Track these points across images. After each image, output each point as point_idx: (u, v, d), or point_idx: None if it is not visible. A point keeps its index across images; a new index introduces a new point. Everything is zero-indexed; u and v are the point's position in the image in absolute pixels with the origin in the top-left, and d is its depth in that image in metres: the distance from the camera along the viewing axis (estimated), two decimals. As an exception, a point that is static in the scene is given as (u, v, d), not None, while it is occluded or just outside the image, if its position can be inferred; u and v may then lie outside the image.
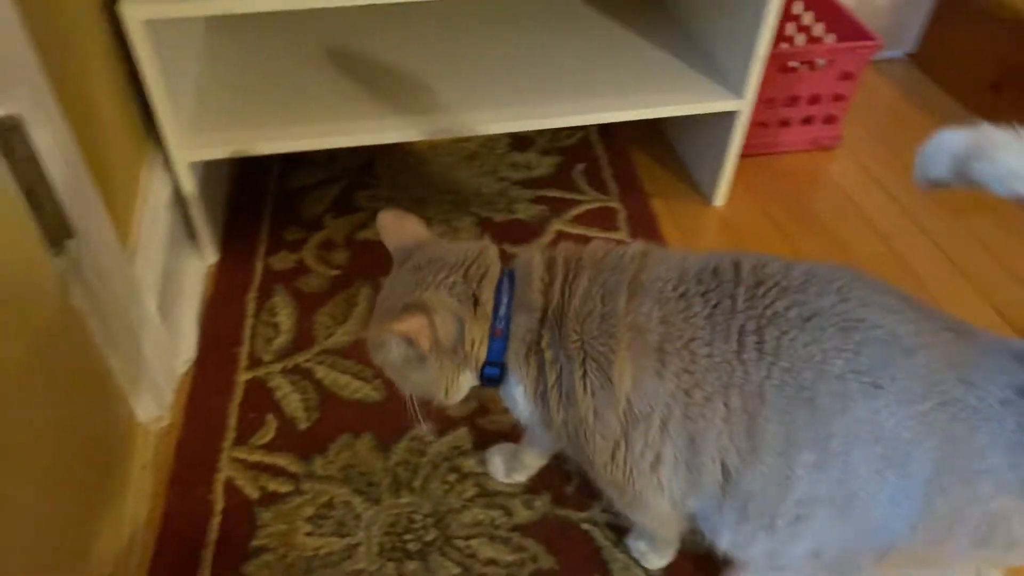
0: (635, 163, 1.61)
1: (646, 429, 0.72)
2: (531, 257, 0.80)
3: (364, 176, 1.55)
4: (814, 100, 1.58)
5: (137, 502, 1.01)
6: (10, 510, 0.70)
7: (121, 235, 1.00)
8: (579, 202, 1.51)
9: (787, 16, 1.72)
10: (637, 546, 0.97)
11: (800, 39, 1.73)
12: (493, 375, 0.80)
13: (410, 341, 0.76)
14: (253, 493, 1.03)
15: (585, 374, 0.73)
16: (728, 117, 1.41)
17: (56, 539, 0.79)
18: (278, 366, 1.18)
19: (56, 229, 0.82)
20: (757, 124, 1.56)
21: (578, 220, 1.47)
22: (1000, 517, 0.65)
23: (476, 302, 0.77)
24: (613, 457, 0.76)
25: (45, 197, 0.79)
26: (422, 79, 1.38)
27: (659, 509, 0.79)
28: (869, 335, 0.65)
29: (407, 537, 0.99)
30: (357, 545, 0.98)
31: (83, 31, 1.01)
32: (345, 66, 1.40)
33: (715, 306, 0.70)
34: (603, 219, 1.48)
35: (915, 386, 0.64)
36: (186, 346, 1.19)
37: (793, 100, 1.57)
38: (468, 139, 1.64)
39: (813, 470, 0.67)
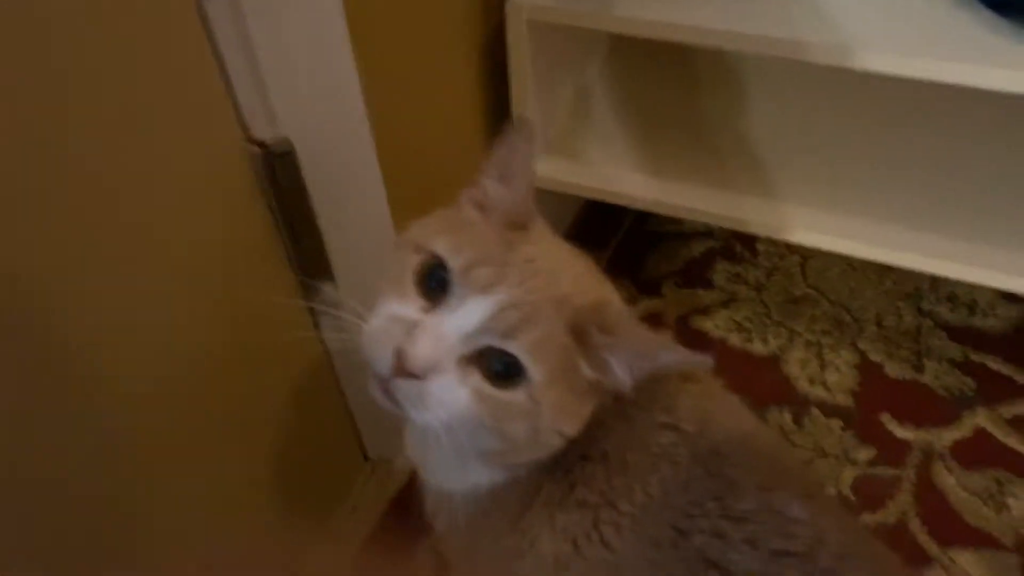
0: None
1: None
2: None
3: (739, 244, 1.22)
4: None
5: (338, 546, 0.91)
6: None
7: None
8: (1033, 396, 1.00)
9: None
10: None
11: None
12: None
13: None
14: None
15: None
16: None
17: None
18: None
19: (313, 268, 0.68)
20: None
21: (1017, 424, 0.97)
22: None
23: None
24: None
25: (305, 234, 0.65)
26: (889, 170, 0.95)
27: None
28: None
29: None
30: None
31: (448, 34, 0.84)
32: (772, 129, 1.03)
33: None
34: (1063, 440, 0.95)
35: None
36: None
37: None
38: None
39: None
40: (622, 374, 0.47)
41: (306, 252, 0.66)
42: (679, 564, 0.46)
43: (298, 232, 0.65)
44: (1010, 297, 1.10)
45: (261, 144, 0.58)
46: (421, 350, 0.44)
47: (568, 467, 0.50)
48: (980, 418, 0.98)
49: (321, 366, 0.80)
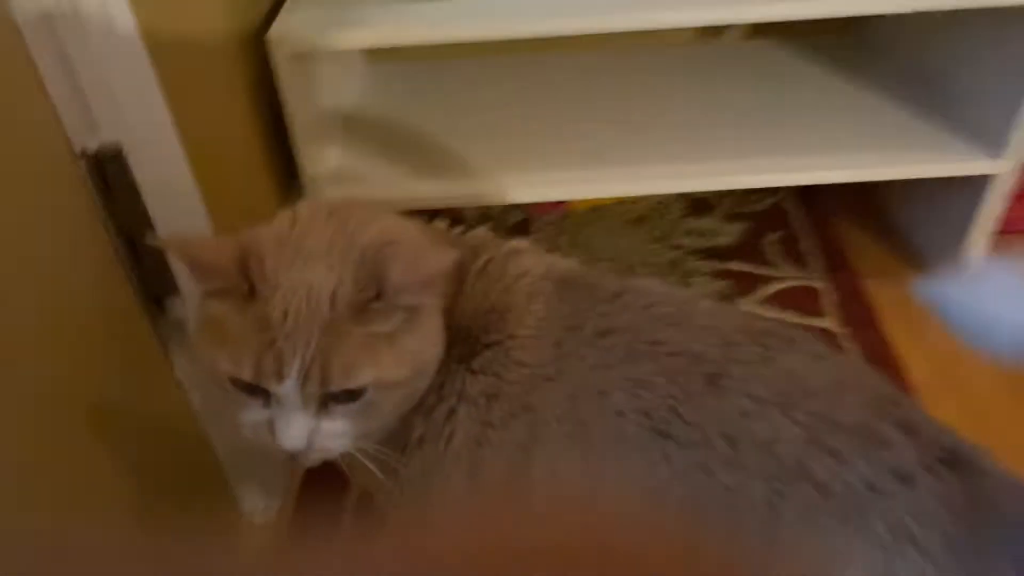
0: (841, 234, 1.33)
1: None
2: None
3: (517, 237, 1.36)
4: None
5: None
6: None
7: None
8: (772, 279, 1.25)
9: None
10: None
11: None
12: None
13: None
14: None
15: None
16: (976, 184, 1.11)
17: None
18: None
19: (156, 284, 0.68)
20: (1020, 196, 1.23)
21: (772, 300, 1.21)
22: None
23: None
24: None
25: (147, 248, 0.65)
26: (587, 130, 1.19)
27: None
28: (665, 363, 0.52)
29: None
30: None
31: (222, 58, 0.89)
32: (506, 113, 1.23)
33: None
34: (804, 301, 1.20)
35: (721, 443, 0.48)
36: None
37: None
38: (635, 200, 1.42)
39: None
40: (418, 300, 0.51)
41: (149, 268, 0.66)
42: (587, 349, 0.55)
43: (139, 246, 0.64)
44: (731, 217, 1.37)
45: (84, 154, 0.59)
46: (293, 444, 0.50)
47: (465, 332, 0.57)
48: (745, 307, 1.20)
49: (182, 412, 0.77)
